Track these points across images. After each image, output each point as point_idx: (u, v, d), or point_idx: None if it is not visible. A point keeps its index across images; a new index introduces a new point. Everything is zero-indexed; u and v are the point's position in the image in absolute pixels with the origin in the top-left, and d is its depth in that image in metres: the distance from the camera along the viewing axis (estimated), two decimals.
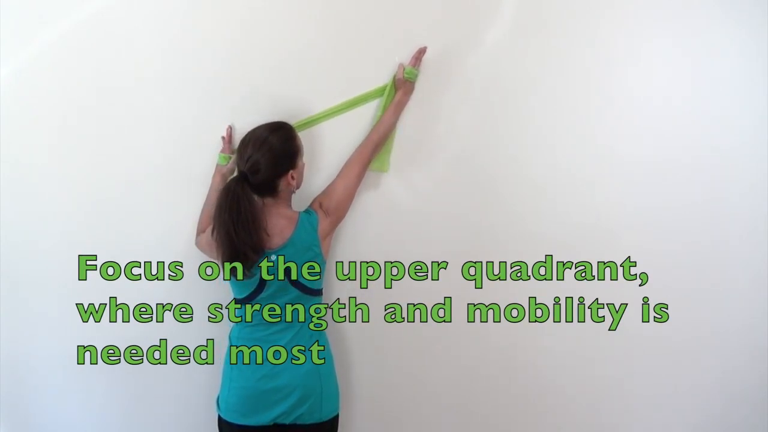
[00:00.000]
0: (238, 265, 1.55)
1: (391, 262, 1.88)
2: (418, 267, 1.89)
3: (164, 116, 1.83)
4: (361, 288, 1.90)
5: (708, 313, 1.86)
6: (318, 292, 1.69)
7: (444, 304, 1.90)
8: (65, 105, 1.82)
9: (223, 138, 1.80)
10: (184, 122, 1.83)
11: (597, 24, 1.77)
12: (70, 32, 1.78)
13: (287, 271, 1.60)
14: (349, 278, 1.89)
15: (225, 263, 1.57)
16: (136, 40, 1.79)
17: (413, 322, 1.91)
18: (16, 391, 1.96)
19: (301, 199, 1.76)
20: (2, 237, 1.87)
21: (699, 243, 1.83)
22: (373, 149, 1.75)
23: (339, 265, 1.88)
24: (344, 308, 1.91)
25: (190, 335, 1.92)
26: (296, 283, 1.62)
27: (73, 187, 1.86)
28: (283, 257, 1.59)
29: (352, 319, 1.91)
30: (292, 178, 1.63)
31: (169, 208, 1.87)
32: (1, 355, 1.94)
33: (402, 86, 1.76)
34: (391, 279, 1.89)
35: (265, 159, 1.57)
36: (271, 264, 1.59)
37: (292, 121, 1.74)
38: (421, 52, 1.76)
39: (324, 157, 1.83)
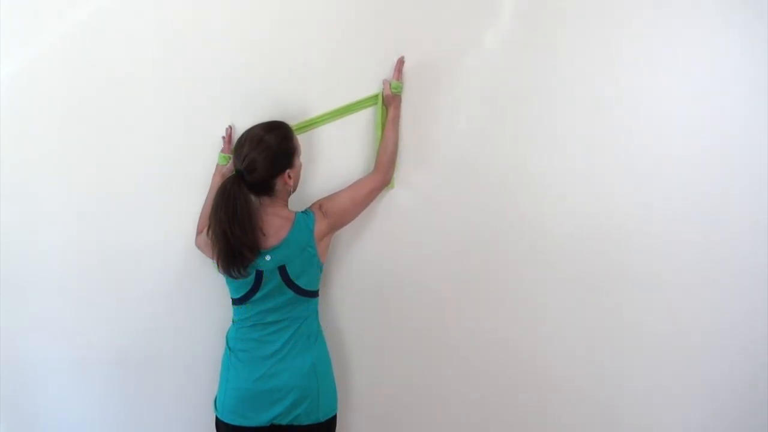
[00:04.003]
0: (233, 264, 1.54)
1: (391, 263, 1.88)
2: (419, 267, 1.88)
3: (164, 116, 1.83)
4: (360, 288, 1.89)
5: (709, 313, 1.85)
6: (313, 294, 1.68)
7: (444, 305, 1.89)
8: (65, 105, 1.82)
9: (223, 138, 1.80)
10: (184, 122, 1.83)
11: (597, 24, 1.75)
12: (70, 33, 1.78)
13: (282, 271, 1.60)
14: (348, 278, 1.89)
15: (220, 262, 1.56)
16: (136, 40, 1.79)
17: (413, 322, 1.91)
18: (16, 391, 1.97)
19: (300, 199, 1.76)
20: (2, 237, 1.87)
21: (701, 243, 1.81)
22: (387, 171, 1.75)
23: (338, 265, 1.87)
24: (342, 309, 1.90)
25: (190, 335, 1.92)
26: (291, 285, 1.61)
27: (73, 186, 1.86)
28: (278, 257, 1.59)
29: (351, 320, 1.91)
30: (289, 177, 1.63)
31: (169, 208, 1.87)
32: (1, 355, 1.94)
33: (392, 101, 1.75)
34: (391, 279, 1.88)
35: (262, 158, 1.57)
36: (266, 264, 1.58)
37: (292, 122, 1.74)
38: (401, 63, 1.76)
39: (323, 157, 1.83)
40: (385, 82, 1.76)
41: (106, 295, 1.91)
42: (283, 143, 1.62)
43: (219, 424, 1.67)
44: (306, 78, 1.80)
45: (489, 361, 1.93)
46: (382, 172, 1.74)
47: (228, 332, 1.72)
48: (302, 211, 1.66)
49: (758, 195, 1.77)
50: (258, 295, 1.61)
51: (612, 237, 1.83)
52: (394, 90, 1.74)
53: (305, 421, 1.61)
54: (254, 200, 1.60)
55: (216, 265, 1.59)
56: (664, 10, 1.73)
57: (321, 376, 1.65)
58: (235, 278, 1.58)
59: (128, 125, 1.83)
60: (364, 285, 1.89)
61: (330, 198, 1.70)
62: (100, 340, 1.93)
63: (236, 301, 1.65)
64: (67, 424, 2.00)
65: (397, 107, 1.77)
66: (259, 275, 1.59)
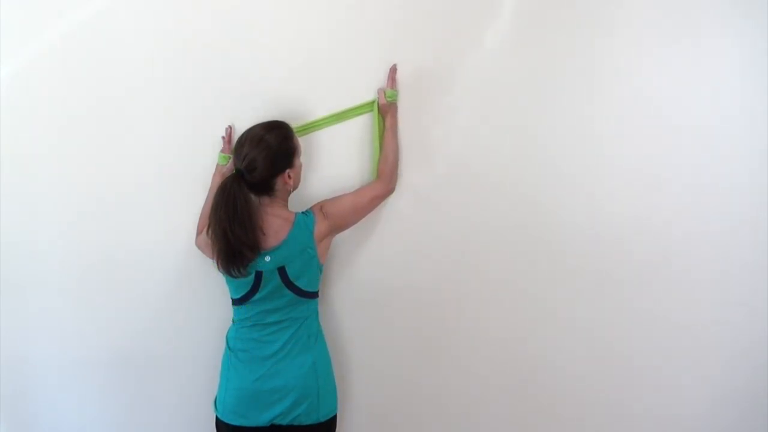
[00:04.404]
0: (233, 264, 1.54)
1: (391, 263, 1.87)
2: (419, 267, 1.88)
3: (164, 116, 1.83)
4: (360, 288, 1.89)
5: (710, 311, 1.84)
6: (313, 295, 1.68)
7: (445, 305, 1.89)
8: (65, 105, 1.82)
9: (223, 138, 1.80)
10: (184, 122, 1.83)
11: (597, 24, 1.75)
12: (70, 33, 1.78)
13: (282, 272, 1.60)
14: (348, 278, 1.88)
15: (220, 261, 1.56)
16: (135, 40, 1.79)
17: (413, 322, 1.91)
18: (16, 391, 1.97)
19: (299, 202, 1.76)
20: (2, 237, 1.87)
21: (701, 241, 1.81)
22: (390, 180, 1.75)
23: (339, 265, 1.87)
24: (343, 309, 1.90)
25: (190, 335, 1.92)
26: (291, 286, 1.61)
27: (73, 186, 1.86)
28: (277, 258, 1.59)
29: (351, 320, 1.91)
30: (289, 177, 1.62)
31: (169, 208, 1.86)
32: (1, 355, 1.94)
33: (388, 110, 1.76)
34: (392, 279, 1.88)
35: (262, 157, 1.57)
36: (266, 265, 1.58)
37: (291, 123, 1.73)
38: (394, 71, 1.76)
39: (321, 159, 1.82)
40: (379, 91, 1.76)
41: (106, 295, 1.91)
42: (284, 143, 1.61)
43: (219, 424, 1.67)
44: (306, 78, 1.80)
45: (490, 362, 1.92)
46: (386, 181, 1.74)
47: (228, 332, 1.72)
48: (302, 212, 1.66)
49: (759, 194, 1.77)
50: (258, 295, 1.61)
51: (613, 237, 1.82)
52: (389, 98, 1.74)
53: (305, 421, 1.61)
54: (254, 200, 1.60)
55: (216, 264, 1.59)
56: (665, 10, 1.73)
57: (321, 376, 1.65)
58: (235, 277, 1.58)
59: (128, 125, 1.83)
60: (364, 285, 1.89)
61: (332, 200, 1.70)
62: (100, 340, 1.93)
63: (236, 302, 1.65)
64: (67, 424, 1.99)
65: (394, 115, 1.77)
66: (259, 276, 1.59)
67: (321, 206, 1.68)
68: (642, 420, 1.92)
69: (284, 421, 1.60)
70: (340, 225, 1.70)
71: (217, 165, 1.80)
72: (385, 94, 1.74)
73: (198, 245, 1.80)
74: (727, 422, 1.91)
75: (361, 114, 1.80)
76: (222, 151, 1.79)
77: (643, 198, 1.80)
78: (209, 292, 1.86)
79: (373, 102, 1.78)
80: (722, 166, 1.77)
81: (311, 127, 1.79)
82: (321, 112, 1.80)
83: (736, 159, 1.76)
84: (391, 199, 1.84)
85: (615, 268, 1.84)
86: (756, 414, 1.89)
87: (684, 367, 1.88)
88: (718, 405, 1.90)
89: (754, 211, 1.78)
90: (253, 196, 1.60)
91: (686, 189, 1.79)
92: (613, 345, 1.88)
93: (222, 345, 1.74)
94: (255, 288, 1.60)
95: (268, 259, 1.58)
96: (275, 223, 1.60)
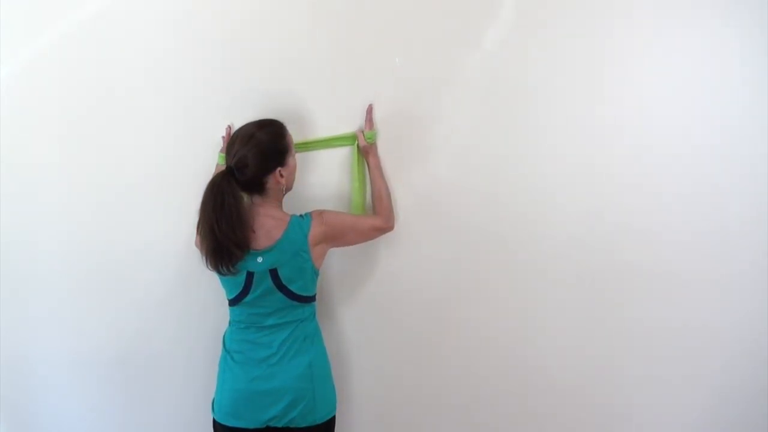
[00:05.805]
0: (221, 261, 1.52)
1: (391, 264, 1.87)
2: (419, 268, 1.87)
3: (164, 116, 1.83)
4: (360, 289, 1.89)
5: (709, 312, 1.83)
6: (308, 299, 1.65)
7: (444, 305, 1.88)
8: (65, 105, 1.83)
9: (222, 138, 1.80)
10: (183, 122, 1.84)
11: (598, 23, 1.73)
12: (69, 33, 1.79)
13: (273, 275, 1.58)
14: (348, 279, 1.88)
15: (208, 258, 1.54)
16: (135, 41, 1.80)
17: (413, 323, 1.90)
18: (16, 391, 1.98)
19: (299, 204, 1.75)
20: (2, 237, 1.88)
21: (701, 241, 1.79)
22: (388, 217, 1.75)
23: (338, 266, 1.86)
24: (342, 310, 1.89)
25: (190, 336, 1.92)
26: (283, 289, 1.59)
27: (73, 187, 1.87)
28: (269, 260, 1.56)
29: (351, 321, 1.90)
30: (281, 176, 1.60)
31: (169, 208, 1.87)
32: (1, 355, 1.95)
33: (369, 150, 1.76)
34: (391, 280, 1.87)
35: (252, 154, 1.54)
36: (257, 266, 1.56)
37: (288, 124, 1.72)
38: (370, 112, 1.76)
39: (319, 160, 1.82)
40: (358, 132, 1.76)
41: (106, 295, 1.92)
42: (275, 140, 1.60)
43: (216, 425, 1.66)
44: (305, 78, 1.79)
45: (490, 362, 1.91)
46: (384, 218, 1.74)
47: (225, 333, 1.71)
48: (299, 215, 1.63)
49: (759, 194, 1.75)
50: (249, 297, 1.59)
51: (614, 237, 1.81)
52: (368, 140, 1.75)
53: (301, 423, 1.59)
54: (246, 199, 1.59)
55: (204, 261, 1.56)
56: (664, 9, 1.71)
57: (317, 379, 1.63)
58: (224, 275, 1.56)
59: (128, 125, 1.84)
60: (364, 286, 1.89)
61: (334, 211, 1.69)
62: (99, 340, 1.94)
63: (230, 302, 1.64)
64: (67, 424, 2.00)
65: (376, 155, 1.78)
66: (250, 277, 1.57)
67: (321, 212, 1.65)
68: (642, 420, 1.91)
69: (280, 424, 1.59)
70: (335, 236, 1.66)
71: (217, 165, 1.80)
72: (364, 136, 1.74)
73: (197, 244, 1.79)
74: (728, 423, 1.89)
75: (344, 146, 1.80)
76: (221, 150, 1.79)
77: (645, 197, 1.78)
78: (209, 292, 1.86)
79: (353, 136, 1.78)
80: (722, 166, 1.75)
81: (300, 147, 1.78)
82: (322, 112, 1.80)
83: (736, 159, 1.74)
84: (392, 197, 1.82)
85: (615, 269, 1.82)
86: (756, 415, 1.87)
87: (684, 369, 1.86)
88: (718, 406, 1.88)
89: (754, 212, 1.76)
90: (245, 196, 1.58)
91: (686, 189, 1.77)
92: (614, 346, 1.87)
93: (220, 346, 1.74)
94: (246, 289, 1.58)
95: (260, 260, 1.56)
96: (268, 224, 1.58)
